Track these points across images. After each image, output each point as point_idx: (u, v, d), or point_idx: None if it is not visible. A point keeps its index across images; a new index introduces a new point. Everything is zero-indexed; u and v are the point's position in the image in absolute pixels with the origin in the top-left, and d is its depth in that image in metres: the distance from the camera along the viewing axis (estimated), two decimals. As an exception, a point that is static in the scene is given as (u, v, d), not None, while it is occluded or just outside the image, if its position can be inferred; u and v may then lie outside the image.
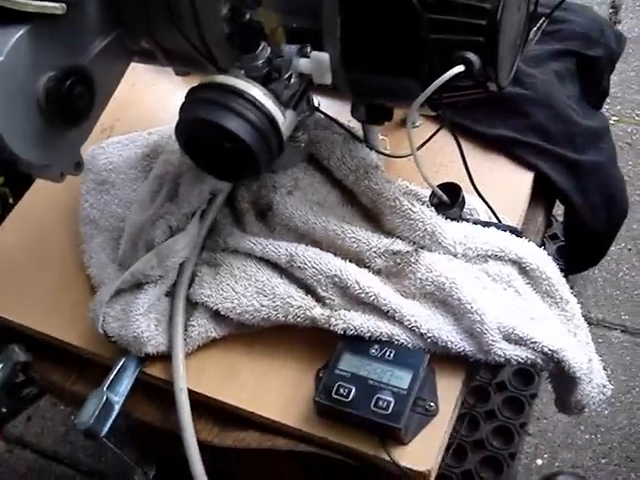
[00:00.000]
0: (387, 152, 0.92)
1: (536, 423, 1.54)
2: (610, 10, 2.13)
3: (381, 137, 0.95)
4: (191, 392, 0.81)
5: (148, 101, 1.13)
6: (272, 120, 0.71)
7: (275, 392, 0.80)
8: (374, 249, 0.81)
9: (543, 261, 0.81)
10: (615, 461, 1.46)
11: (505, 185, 0.93)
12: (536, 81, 0.99)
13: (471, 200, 0.86)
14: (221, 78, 0.71)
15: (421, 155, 0.82)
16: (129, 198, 0.96)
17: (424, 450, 0.74)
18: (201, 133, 0.71)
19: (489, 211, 0.86)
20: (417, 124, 1.00)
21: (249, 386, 0.81)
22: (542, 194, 0.96)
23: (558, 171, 0.95)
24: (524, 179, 0.95)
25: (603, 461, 1.47)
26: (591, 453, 1.49)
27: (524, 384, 1.49)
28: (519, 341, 0.76)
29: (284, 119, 0.72)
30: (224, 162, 0.73)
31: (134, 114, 1.11)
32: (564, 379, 0.79)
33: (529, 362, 0.76)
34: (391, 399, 0.73)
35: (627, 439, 1.48)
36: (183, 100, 0.72)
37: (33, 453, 1.63)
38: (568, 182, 0.95)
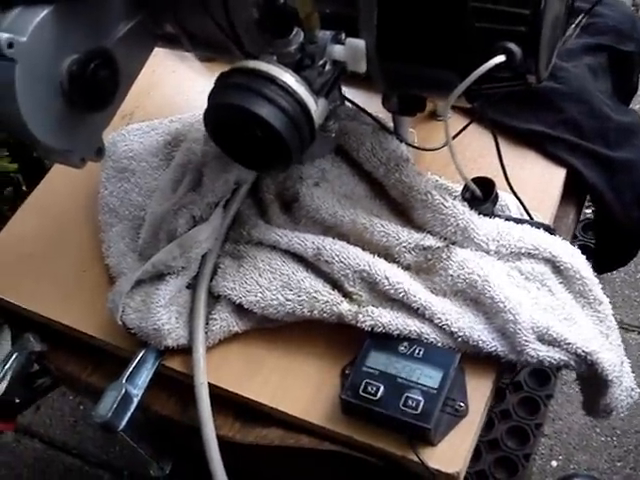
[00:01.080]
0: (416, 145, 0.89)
1: (551, 424, 1.53)
2: (631, 8, 2.11)
3: (409, 130, 0.93)
4: (211, 386, 0.79)
5: (169, 88, 1.12)
6: (304, 108, 0.68)
7: (299, 388, 0.78)
8: (404, 244, 0.79)
9: (577, 260, 0.79)
10: (631, 464, 1.45)
11: (536, 181, 0.91)
12: (569, 75, 0.96)
13: (503, 196, 0.84)
14: (253, 63, 0.68)
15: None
16: (150, 187, 0.94)
17: (453, 451, 0.73)
18: (231, 119, 0.69)
19: (521, 207, 0.84)
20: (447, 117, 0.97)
21: (272, 382, 0.80)
22: (573, 191, 0.94)
23: (590, 167, 0.93)
24: (556, 175, 0.92)
25: (619, 464, 1.46)
26: (606, 456, 1.48)
27: (540, 384, 1.46)
28: (553, 342, 0.73)
29: (316, 107, 0.70)
30: (253, 150, 0.71)
31: (154, 101, 1.09)
32: (596, 382, 0.76)
33: (562, 364, 0.74)
34: (421, 398, 0.71)
35: (643, 442, 1.46)
36: (213, 85, 0.70)
37: (41, 443, 1.62)
38: (600, 179, 0.93)
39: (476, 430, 0.75)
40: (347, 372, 0.77)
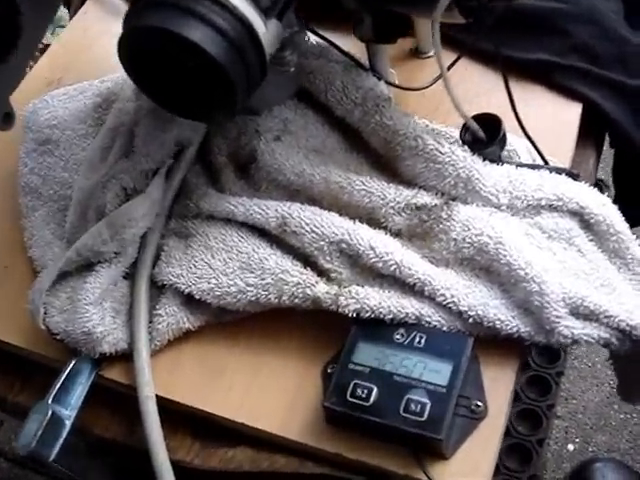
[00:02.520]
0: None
1: (565, 404, 1.46)
2: None
3: (389, 70, 0.80)
4: (162, 400, 0.67)
5: (102, 49, 0.99)
6: (249, 29, 0.53)
7: (271, 397, 0.66)
8: (391, 204, 0.66)
9: (610, 211, 0.65)
10: (655, 442, 1.42)
11: (548, 120, 0.77)
12: (575, -8, 0.82)
13: (509, 140, 0.70)
14: (176, -28, 0.52)
15: (438, 89, 0.69)
16: (77, 159, 0.81)
17: (472, 465, 0.59)
18: (152, 48, 0.54)
19: (533, 152, 0.70)
20: (429, 54, 0.85)
21: (237, 390, 0.67)
22: (591, 130, 0.80)
23: (610, 99, 0.79)
24: (570, 112, 0.79)
25: None
26: (627, 435, 1.43)
27: (549, 361, 1.35)
28: (590, 316, 0.60)
29: (265, 29, 0.54)
30: (189, 93, 0.56)
31: (86, 65, 0.96)
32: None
33: (602, 342, 0.61)
34: (426, 400, 0.58)
35: (667, 417, 1.43)
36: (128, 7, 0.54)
37: (7, 462, 1.53)
38: (623, 113, 0.79)
39: (499, 435, 0.61)
40: (330, 371, 0.64)
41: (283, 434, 0.64)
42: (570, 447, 1.41)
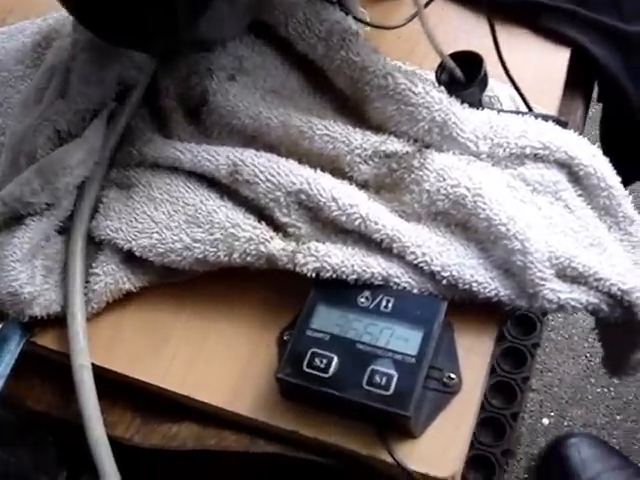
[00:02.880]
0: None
1: (540, 377, 1.43)
2: None
3: (360, 9, 0.73)
4: (98, 369, 0.61)
5: None
6: None
7: (219, 367, 0.60)
8: (357, 151, 0.59)
9: (601, 164, 0.59)
10: (632, 417, 1.35)
11: (533, 66, 0.72)
12: None
13: (491, 85, 0.64)
14: None
15: (415, 31, 0.63)
16: (12, 102, 0.74)
17: (443, 445, 0.54)
18: None
19: (518, 99, 0.64)
20: (403, -6, 0.78)
21: (182, 359, 0.61)
22: (579, 78, 0.75)
23: (601, 45, 0.73)
24: (558, 57, 0.73)
25: (618, 417, 1.36)
26: (604, 409, 1.38)
27: (524, 332, 1.35)
28: (578, 278, 0.54)
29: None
30: (126, 17, 0.48)
31: (32, 4, 0.88)
32: (632, 330, 0.58)
33: (590, 308, 0.55)
34: (393, 372, 0.52)
35: (644, 391, 1.38)
36: None
37: None
38: (614, 59, 0.74)
39: (475, 411, 0.55)
40: (286, 338, 0.58)
41: (232, 409, 0.58)
42: (545, 421, 1.38)
